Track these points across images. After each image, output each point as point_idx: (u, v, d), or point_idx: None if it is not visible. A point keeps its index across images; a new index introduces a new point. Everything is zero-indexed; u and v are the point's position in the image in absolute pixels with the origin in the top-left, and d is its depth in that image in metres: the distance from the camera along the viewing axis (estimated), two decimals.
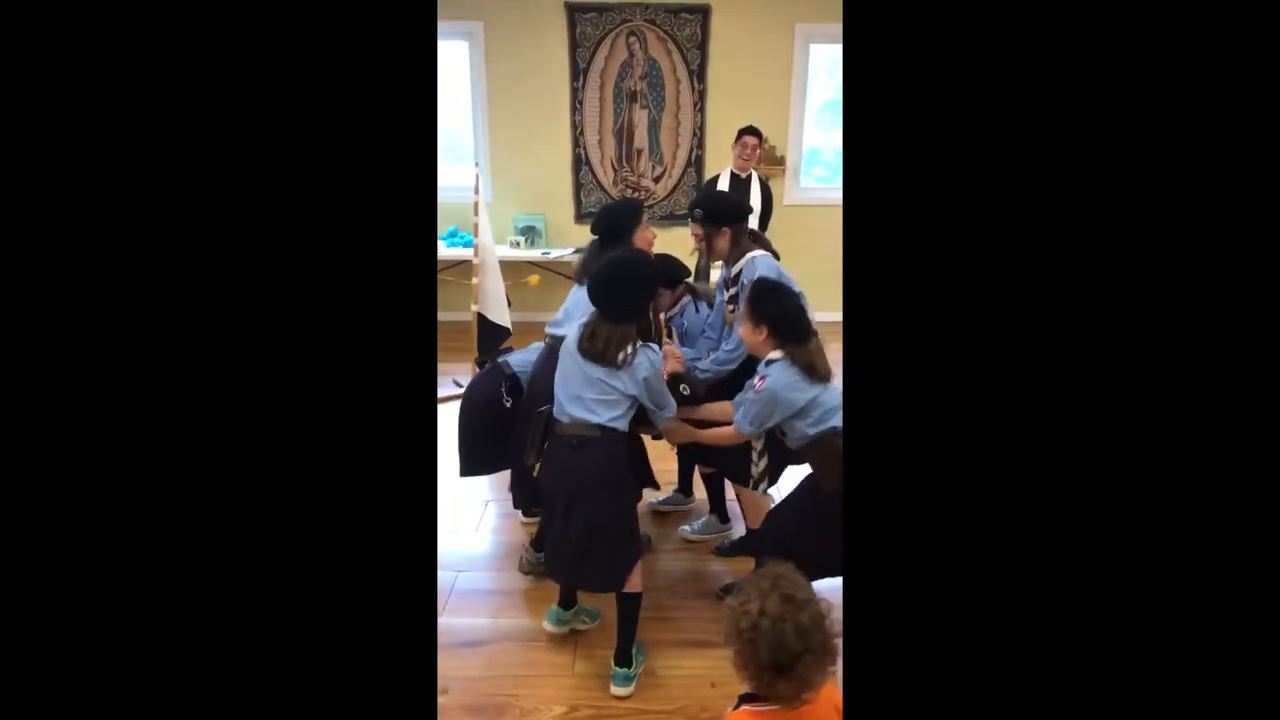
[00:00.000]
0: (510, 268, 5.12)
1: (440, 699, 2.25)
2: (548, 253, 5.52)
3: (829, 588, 1.81)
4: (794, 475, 2.62)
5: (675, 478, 3.38)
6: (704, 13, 5.43)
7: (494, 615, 2.73)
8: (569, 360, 2.30)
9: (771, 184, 5.07)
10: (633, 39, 5.49)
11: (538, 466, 2.43)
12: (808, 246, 5.13)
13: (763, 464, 2.59)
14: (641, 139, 5.71)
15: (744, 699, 1.36)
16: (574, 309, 2.62)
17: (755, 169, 4.77)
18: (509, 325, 4.35)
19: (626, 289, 2.28)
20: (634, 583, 2.36)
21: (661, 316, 2.73)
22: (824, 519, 2.14)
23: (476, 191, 4.26)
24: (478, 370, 3.46)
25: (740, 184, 4.66)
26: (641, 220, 2.81)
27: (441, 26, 4.84)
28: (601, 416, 2.23)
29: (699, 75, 5.56)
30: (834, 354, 2.75)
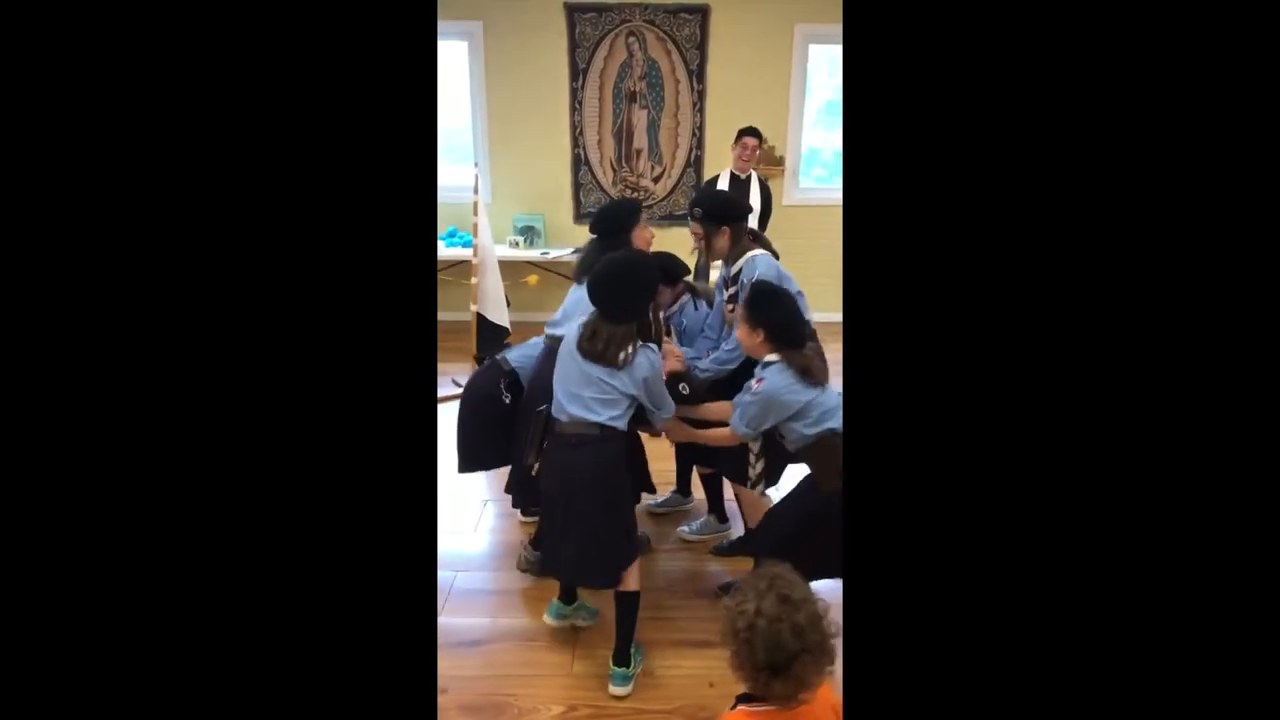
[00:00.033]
0: (509, 268, 5.12)
1: (439, 698, 2.25)
2: (547, 253, 5.52)
3: (828, 588, 1.82)
4: (794, 475, 2.62)
5: (674, 478, 3.38)
6: (703, 13, 5.43)
7: (492, 615, 2.74)
8: (568, 359, 2.31)
9: (770, 184, 5.07)
10: (632, 39, 5.49)
11: (536, 466, 2.44)
12: (806, 247, 5.14)
13: (760, 465, 2.59)
14: (641, 139, 5.71)
15: (741, 699, 1.36)
16: (573, 309, 2.63)
17: (754, 169, 4.77)
18: (508, 325, 4.36)
19: (626, 289, 2.29)
20: (632, 581, 2.36)
21: (661, 315, 2.73)
22: (822, 518, 2.14)
23: (475, 191, 4.26)
24: (477, 366, 3.46)
25: (739, 184, 4.66)
26: (640, 220, 2.82)
27: (440, 26, 4.83)
28: (601, 415, 2.24)
29: (698, 75, 5.56)
30: (833, 354, 2.76)
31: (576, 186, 5.77)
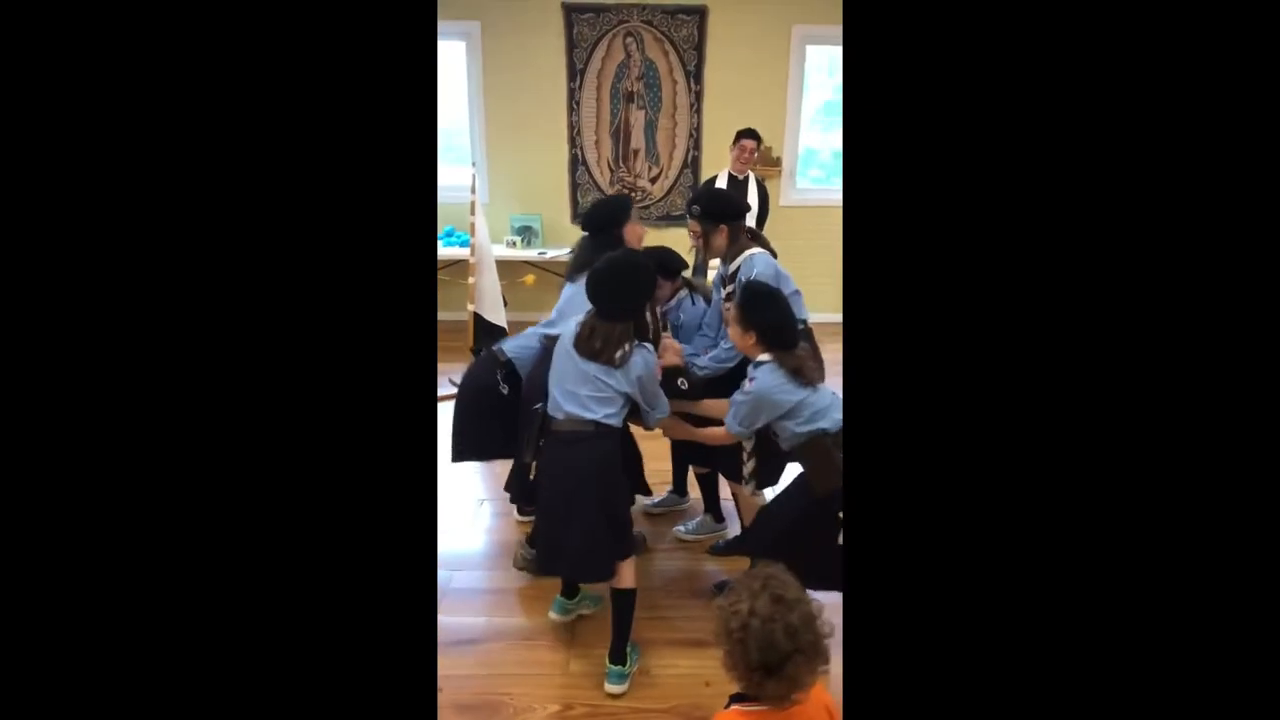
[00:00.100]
0: (506, 267, 5.12)
1: None
2: (544, 252, 5.53)
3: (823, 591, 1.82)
4: (791, 475, 2.63)
5: (670, 478, 3.39)
6: (701, 14, 5.43)
7: (488, 614, 2.74)
8: (565, 358, 2.33)
9: (768, 185, 5.08)
10: (630, 40, 5.49)
11: (534, 465, 2.45)
12: (804, 247, 5.14)
13: (751, 464, 2.60)
14: (638, 139, 5.72)
15: (734, 698, 1.37)
16: (567, 307, 2.64)
17: (752, 170, 4.78)
18: (505, 325, 4.36)
19: (625, 289, 2.31)
20: (628, 579, 2.38)
21: (659, 310, 2.74)
22: (816, 519, 2.15)
23: (473, 191, 4.26)
24: (473, 358, 3.47)
25: (737, 185, 4.67)
26: (631, 215, 2.82)
27: (439, 26, 4.84)
28: (596, 413, 2.26)
29: (696, 76, 5.57)
30: (831, 354, 2.77)
31: (574, 186, 5.78)
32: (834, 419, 2.22)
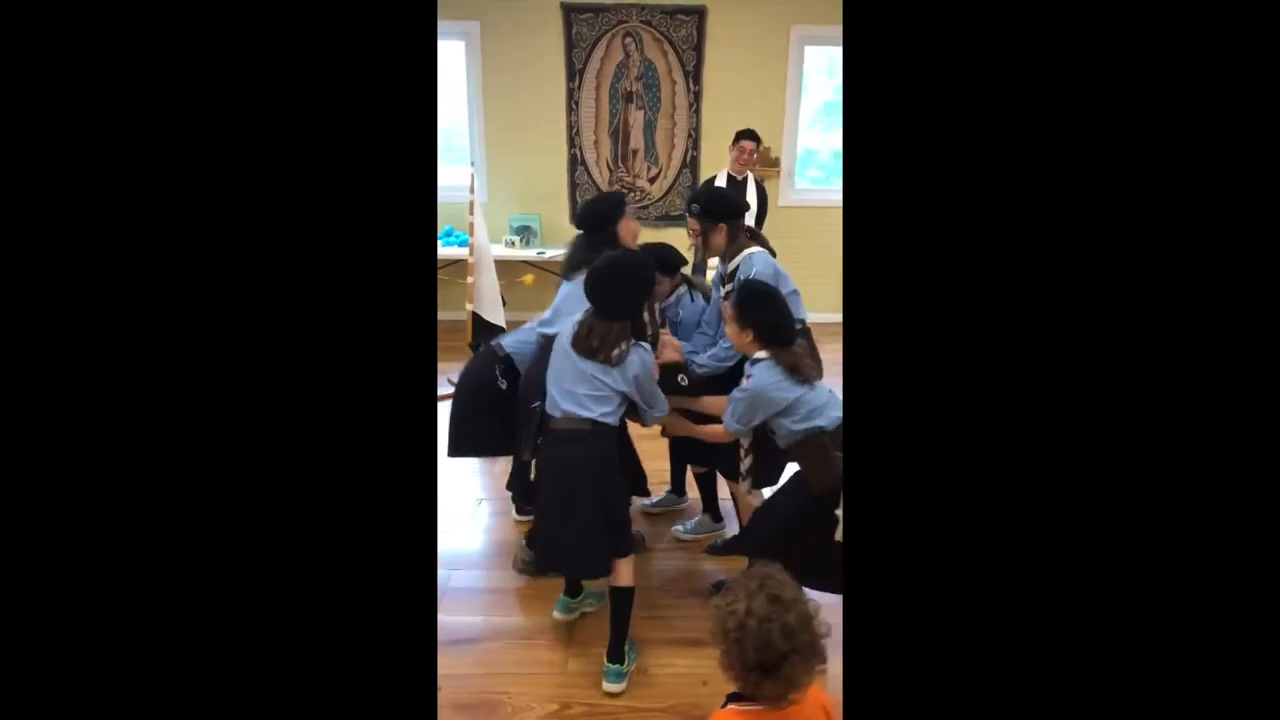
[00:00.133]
0: (505, 267, 5.13)
1: None
2: (543, 252, 5.53)
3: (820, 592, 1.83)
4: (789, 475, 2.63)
5: (668, 478, 3.39)
6: (700, 14, 5.44)
7: (487, 613, 2.75)
8: (563, 356, 2.34)
9: (766, 185, 5.08)
10: (629, 40, 5.50)
11: (534, 465, 2.46)
12: (802, 247, 5.15)
13: (748, 460, 2.61)
14: (637, 139, 5.72)
15: (731, 698, 1.37)
16: (563, 305, 2.65)
17: (751, 171, 4.79)
18: (503, 324, 4.36)
19: (624, 288, 2.32)
20: (626, 577, 2.38)
21: (658, 306, 2.75)
22: (811, 516, 2.16)
23: (472, 191, 4.27)
24: (471, 354, 3.48)
25: (736, 186, 4.67)
26: (625, 212, 2.82)
27: (438, 26, 4.84)
28: (593, 412, 2.27)
29: (694, 76, 5.57)
30: (830, 354, 2.78)
31: (573, 186, 5.78)
32: (830, 417, 2.23)
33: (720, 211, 2.74)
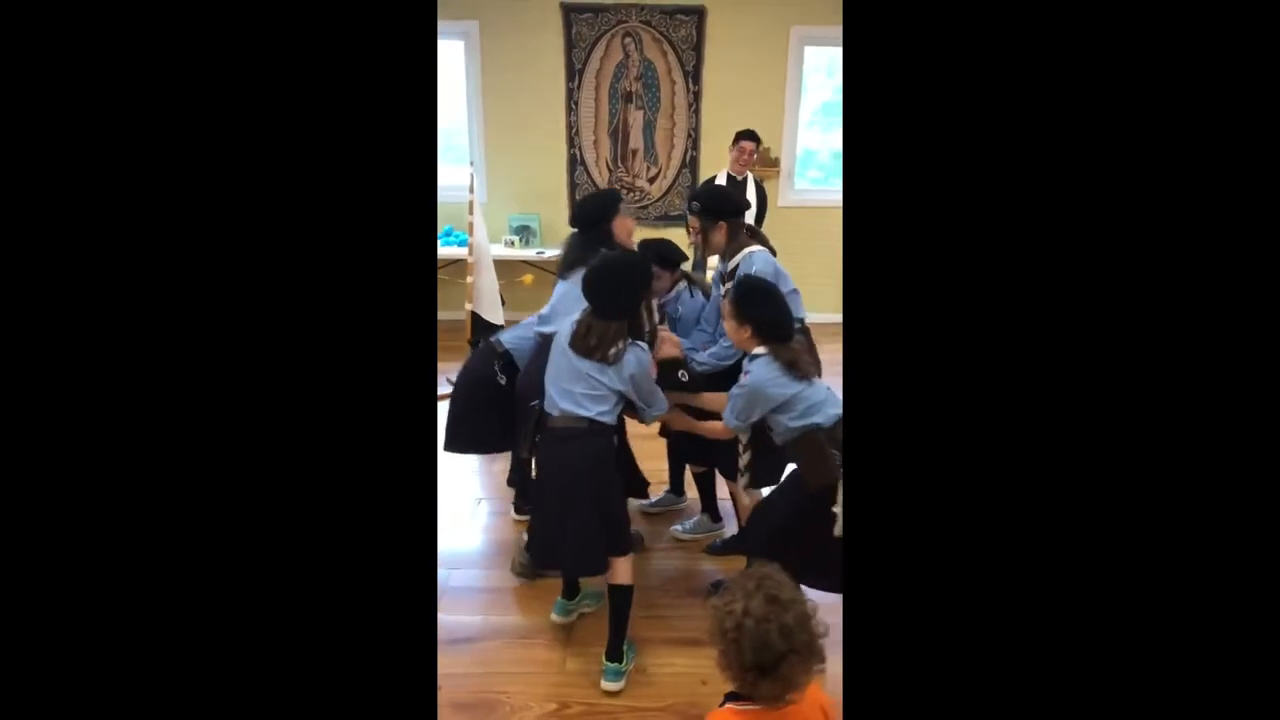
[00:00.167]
0: (505, 267, 5.13)
1: None
2: (542, 252, 5.53)
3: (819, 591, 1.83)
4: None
5: (667, 477, 3.40)
6: (699, 14, 5.44)
7: (485, 612, 2.75)
8: (560, 355, 2.35)
9: (766, 185, 5.09)
10: (628, 40, 5.50)
11: (533, 462, 2.47)
12: (802, 248, 5.15)
13: (747, 456, 2.61)
14: (636, 140, 5.72)
15: (729, 697, 1.37)
16: (560, 304, 2.65)
17: (750, 171, 4.79)
18: (503, 324, 4.36)
19: (622, 288, 2.33)
20: (624, 575, 2.39)
21: (655, 303, 2.75)
22: (808, 514, 2.16)
23: (471, 191, 4.27)
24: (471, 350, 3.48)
25: (735, 186, 4.67)
26: (619, 209, 2.82)
27: (438, 26, 4.84)
28: (590, 410, 2.28)
29: (694, 77, 5.58)
30: (829, 354, 2.78)
31: (572, 186, 5.78)
32: (828, 414, 2.23)
33: (720, 209, 2.75)
